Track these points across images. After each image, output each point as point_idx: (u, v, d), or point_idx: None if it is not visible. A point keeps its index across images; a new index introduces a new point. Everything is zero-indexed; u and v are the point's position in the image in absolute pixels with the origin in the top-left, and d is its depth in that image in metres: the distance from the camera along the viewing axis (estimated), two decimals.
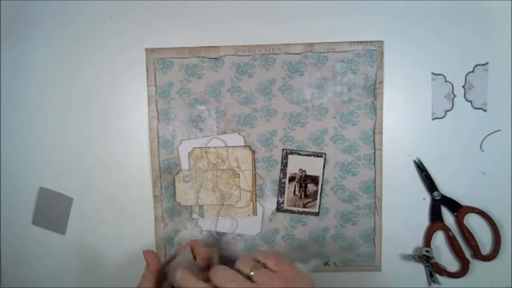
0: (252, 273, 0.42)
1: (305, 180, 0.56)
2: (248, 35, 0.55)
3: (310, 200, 0.56)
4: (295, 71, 0.55)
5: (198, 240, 0.53)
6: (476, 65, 0.55)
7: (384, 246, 0.57)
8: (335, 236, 0.57)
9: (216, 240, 0.57)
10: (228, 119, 0.56)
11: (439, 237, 0.57)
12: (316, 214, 0.57)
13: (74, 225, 0.58)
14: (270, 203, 0.57)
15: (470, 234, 0.56)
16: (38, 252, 0.58)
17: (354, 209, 0.56)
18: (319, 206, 0.56)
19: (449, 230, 0.56)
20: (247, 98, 0.55)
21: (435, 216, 0.56)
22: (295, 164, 0.56)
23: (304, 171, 0.56)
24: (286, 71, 0.55)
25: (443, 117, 0.56)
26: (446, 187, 0.56)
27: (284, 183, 0.56)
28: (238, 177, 0.56)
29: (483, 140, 0.56)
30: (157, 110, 0.56)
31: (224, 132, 0.56)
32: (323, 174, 0.56)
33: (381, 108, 0.55)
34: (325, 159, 0.56)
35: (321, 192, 0.56)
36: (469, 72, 0.55)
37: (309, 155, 0.56)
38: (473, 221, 0.56)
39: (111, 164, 0.57)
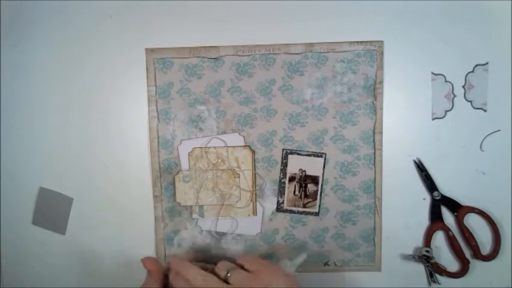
0: (228, 274, 0.43)
1: (305, 180, 0.56)
2: (248, 35, 0.55)
3: (310, 200, 0.56)
4: (295, 71, 0.55)
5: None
6: (476, 65, 0.55)
7: (384, 246, 0.57)
8: (335, 236, 0.57)
9: (216, 240, 0.57)
10: (228, 119, 0.56)
11: (439, 237, 0.57)
12: (316, 214, 0.57)
13: (74, 225, 0.58)
14: (270, 203, 0.57)
15: (470, 234, 0.56)
16: (38, 252, 0.58)
17: (354, 209, 0.56)
18: (319, 206, 0.56)
19: (449, 230, 0.56)
20: (247, 98, 0.55)
21: (435, 216, 0.56)
22: (295, 164, 0.56)
23: (304, 171, 0.56)
24: (286, 71, 0.55)
25: (443, 117, 0.56)
26: (446, 187, 0.56)
27: (284, 183, 0.56)
28: (238, 177, 0.56)
29: (483, 140, 0.56)
30: (157, 110, 0.56)
31: (224, 132, 0.56)
32: (323, 174, 0.56)
33: (381, 108, 0.55)
34: (325, 159, 0.56)
35: (321, 192, 0.56)
36: (469, 72, 0.55)
37: (309, 155, 0.56)
38: (473, 221, 0.56)
39: (111, 164, 0.57)
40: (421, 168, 0.56)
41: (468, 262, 0.55)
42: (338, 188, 0.56)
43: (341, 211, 0.56)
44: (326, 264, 0.57)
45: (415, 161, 0.56)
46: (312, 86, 0.55)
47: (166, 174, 0.56)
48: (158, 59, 0.55)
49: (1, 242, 0.58)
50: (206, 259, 0.56)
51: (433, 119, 0.56)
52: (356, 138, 0.55)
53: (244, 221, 0.57)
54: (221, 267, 0.45)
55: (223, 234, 0.57)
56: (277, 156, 0.56)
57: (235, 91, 0.55)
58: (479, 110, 0.55)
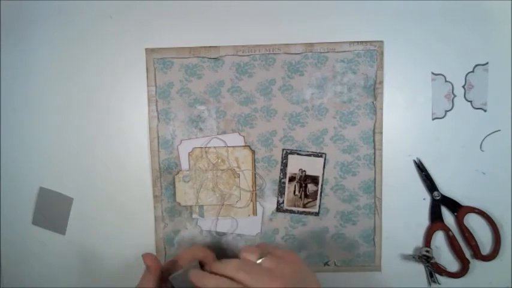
0: (259, 261, 0.42)
1: (305, 180, 0.56)
2: (248, 35, 0.55)
3: (310, 200, 0.56)
4: (295, 71, 0.55)
5: (193, 250, 0.50)
6: (476, 65, 0.55)
7: (384, 246, 0.57)
8: (335, 236, 0.57)
9: (216, 240, 0.57)
10: (228, 119, 0.56)
11: (439, 237, 0.57)
12: (316, 214, 0.57)
13: (74, 225, 0.58)
14: (270, 203, 0.57)
15: (470, 234, 0.56)
16: (38, 252, 0.58)
17: (354, 209, 0.56)
18: (319, 206, 0.56)
19: (449, 230, 0.56)
20: (247, 98, 0.55)
21: (435, 216, 0.56)
22: (295, 164, 0.56)
23: (304, 171, 0.56)
24: (286, 71, 0.55)
25: (443, 117, 0.56)
26: (446, 187, 0.56)
27: (284, 183, 0.56)
28: (238, 177, 0.56)
29: (483, 140, 0.56)
30: (157, 110, 0.56)
31: (224, 132, 0.56)
32: (323, 174, 0.56)
33: (381, 108, 0.55)
34: (325, 159, 0.56)
35: (321, 192, 0.56)
36: (469, 72, 0.55)
37: (309, 155, 0.56)
38: (473, 221, 0.56)
39: (111, 164, 0.57)
40: (421, 168, 0.56)
41: (468, 262, 0.55)
42: (338, 188, 0.56)
43: (341, 211, 0.56)
44: (326, 264, 0.57)
45: (415, 161, 0.56)
46: (312, 86, 0.55)
47: (166, 174, 0.56)
48: (158, 59, 0.55)
49: (1, 242, 0.58)
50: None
51: (433, 119, 0.56)
52: (356, 138, 0.55)
53: (244, 221, 0.57)
54: (251, 253, 0.42)
55: (223, 234, 0.57)
56: (277, 156, 0.56)
57: (235, 91, 0.55)
58: (479, 110, 0.55)
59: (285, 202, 0.57)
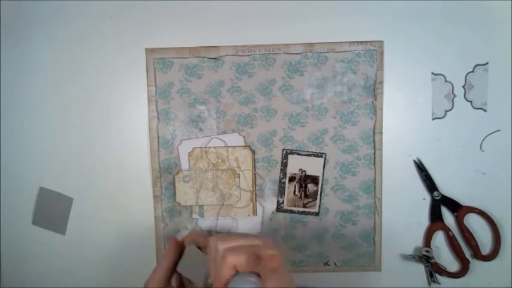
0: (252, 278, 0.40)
1: (305, 180, 0.56)
2: (248, 35, 0.55)
3: (310, 200, 0.56)
4: (295, 71, 0.55)
5: (193, 233, 0.49)
6: (476, 65, 0.55)
7: (384, 246, 0.57)
8: (335, 236, 0.57)
9: None
10: (228, 119, 0.56)
11: (439, 237, 0.57)
12: (316, 214, 0.57)
13: (74, 225, 0.58)
14: (270, 203, 0.57)
15: (470, 234, 0.56)
16: (38, 252, 0.58)
17: (354, 209, 0.56)
18: (319, 206, 0.56)
19: (449, 230, 0.56)
20: (247, 98, 0.55)
21: (435, 216, 0.56)
22: (295, 164, 0.56)
23: (304, 171, 0.56)
24: (286, 71, 0.55)
25: (443, 117, 0.56)
26: (446, 187, 0.56)
27: (284, 183, 0.56)
28: (238, 177, 0.56)
29: (483, 140, 0.56)
30: (157, 110, 0.56)
31: (224, 132, 0.56)
32: (323, 174, 0.56)
33: (381, 108, 0.55)
34: (325, 159, 0.56)
35: (321, 192, 0.56)
36: (469, 72, 0.55)
37: (309, 155, 0.56)
38: (473, 221, 0.56)
39: (111, 164, 0.57)
40: (421, 168, 0.56)
41: (468, 262, 0.55)
42: (338, 188, 0.56)
43: (341, 211, 0.56)
44: (326, 264, 0.57)
45: (415, 161, 0.56)
46: (312, 86, 0.55)
47: (166, 174, 0.56)
48: (158, 59, 0.55)
49: (1, 242, 0.58)
50: None
51: (433, 119, 0.56)
52: (356, 138, 0.55)
53: (244, 221, 0.57)
54: (237, 254, 0.37)
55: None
56: (277, 156, 0.56)
57: (235, 91, 0.55)
58: (479, 110, 0.55)
59: (285, 202, 0.57)
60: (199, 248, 0.47)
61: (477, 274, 0.56)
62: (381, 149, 0.56)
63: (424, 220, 0.57)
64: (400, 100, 0.56)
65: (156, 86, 0.56)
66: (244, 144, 0.56)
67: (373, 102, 0.55)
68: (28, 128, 0.57)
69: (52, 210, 0.58)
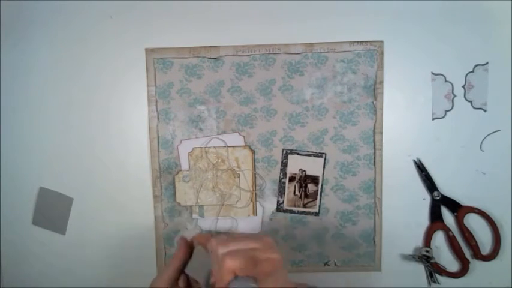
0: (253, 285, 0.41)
1: (305, 180, 0.56)
2: (248, 35, 0.55)
3: (310, 200, 0.56)
4: (295, 71, 0.55)
5: (201, 235, 0.48)
6: (476, 65, 0.55)
7: (384, 246, 0.57)
8: (335, 236, 0.57)
9: None
10: (228, 119, 0.56)
11: (439, 237, 0.57)
12: (316, 214, 0.57)
13: (74, 225, 0.58)
14: (270, 203, 0.57)
15: (470, 234, 0.56)
16: (38, 252, 0.58)
17: (354, 209, 0.56)
18: (319, 206, 0.56)
19: (449, 230, 0.56)
20: (247, 98, 0.55)
21: (435, 216, 0.56)
22: (295, 164, 0.56)
23: (304, 171, 0.56)
24: (286, 71, 0.55)
25: (443, 117, 0.56)
26: (446, 187, 0.56)
27: (284, 183, 0.56)
28: (238, 177, 0.56)
29: (483, 140, 0.56)
30: (157, 110, 0.56)
31: (224, 132, 0.56)
32: (323, 174, 0.56)
33: (381, 108, 0.55)
34: (325, 159, 0.56)
35: (321, 192, 0.56)
36: (469, 72, 0.55)
37: (309, 155, 0.56)
38: (473, 221, 0.56)
39: (111, 164, 0.57)
40: (421, 168, 0.56)
41: (468, 262, 0.55)
42: (338, 188, 0.56)
43: (341, 211, 0.56)
44: (326, 264, 0.57)
45: (415, 161, 0.56)
46: (312, 86, 0.55)
47: (166, 174, 0.56)
48: (158, 59, 0.55)
49: (1, 242, 0.58)
50: None
51: (433, 119, 0.56)
52: (356, 138, 0.55)
53: (244, 221, 0.57)
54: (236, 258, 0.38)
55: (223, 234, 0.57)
56: (277, 156, 0.56)
57: (235, 91, 0.55)
58: (479, 110, 0.55)
59: (285, 202, 0.57)
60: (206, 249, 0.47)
61: (477, 274, 0.56)
62: (381, 149, 0.56)
63: (424, 220, 0.57)
64: (400, 100, 0.56)
65: (156, 86, 0.56)
66: (244, 144, 0.56)
67: (373, 102, 0.55)
68: (28, 128, 0.57)
69: (52, 210, 0.57)
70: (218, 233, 0.57)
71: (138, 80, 0.56)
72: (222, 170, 0.56)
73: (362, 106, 0.55)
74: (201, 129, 0.56)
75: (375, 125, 0.55)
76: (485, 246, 0.56)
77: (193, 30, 0.55)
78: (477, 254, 0.55)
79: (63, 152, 0.57)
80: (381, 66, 0.55)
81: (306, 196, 0.56)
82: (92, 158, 0.57)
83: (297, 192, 0.56)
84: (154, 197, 0.57)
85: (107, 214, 0.57)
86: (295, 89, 0.55)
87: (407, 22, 0.55)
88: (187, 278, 0.46)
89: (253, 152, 0.56)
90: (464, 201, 0.56)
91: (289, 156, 0.56)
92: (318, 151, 0.56)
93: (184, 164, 0.56)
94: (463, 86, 0.55)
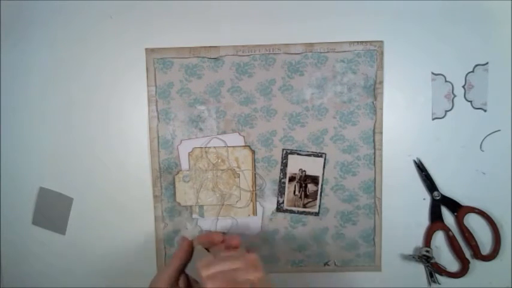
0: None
1: (305, 180, 0.56)
2: (248, 35, 0.55)
3: (310, 200, 0.56)
4: (295, 71, 0.55)
5: (202, 235, 0.50)
6: (476, 65, 0.55)
7: (384, 246, 0.57)
8: (335, 236, 0.57)
9: None
10: (228, 119, 0.56)
11: (439, 237, 0.57)
12: (316, 214, 0.57)
13: (74, 225, 0.58)
14: (270, 203, 0.57)
15: (470, 234, 0.56)
16: (38, 252, 0.58)
17: (354, 209, 0.56)
18: (319, 206, 0.56)
19: (449, 230, 0.56)
20: (247, 98, 0.55)
21: (435, 216, 0.56)
22: (295, 164, 0.56)
23: (304, 171, 0.56)
24: (286, 71, 0.55)
25: (443, 117, 0.56)
26: (446, 187, 0.56)
27: (284, 183, 0.56)
28: (238, 177, 0.56)
29: (483, 140, 0.56)
30: (157, 110, 0.56)
31: (224, 132, 0.56)
32: (323, 174, 0.56)
33: (381, 108, 0.55)
34: (325, 159, 0.56)
35: (321, 192, 0.56)
36: (469, 72, 0.55)
37: (309, 155, 0.56)
38: (473, 221, 0.56)
39: (111, 164, 0.57)
40: (421, 168, 0.56)
41: (468, 262, 0.55)
42: (338, 188, 0.56)
43: (341, 211, 0.56)
44: (326, 264, 0.57)
45: (415, 161, 0.56)
46: (312, 86, 0.55)
47: (166, 174, 0.56)
48: (158, 59, 0.55)
49: (1, 242, 0.58)
50: None
51: (433, 119, 0.56)
52: (356, 138, 0.55)
53: (244, 221, 0.57)
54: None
55: (223, 234, 0.57)
56: (277, 156, 0.56)
57: (235, 91, 0.55)
58: (479, 110, 0.55)
59: (285, 202, 0.57)
60: (207, 249, 0.47)
61: (477, 274, 0.56)
62: (381, 149, 0.56)
63: (424, 220, 0.57)
64: (400, 100, 0.56)
65: (156, 86, 0.56)
66: (244, 144, 0.56)
67: (373, 102, 0.55)
68: (28, 128, 0.57)
69: (52, 210, 0.58)
70: (223, 233, 0.56)
71: (138, 80, 0.56)
72: (222, 170, 0.56)
73: (362, 106, 0.55)
74: (201, 129, 0.56)
75: (375, 125, 0.55)
76: (485, 246, 0.56)
77: (193, 30, 0.55)
78: (477, 254, 0.55)
79: (63, 152, 0.57)
80: (381, 66, 0.55)
81: (306, 196, 0.56)
82: (92, 158, 0.57)
83: (297, 192, 0.56)
84: (154, 197, 0.57)
85: (107, 214, 0.57)
86: (295, 89, 0.55)
87: (407, 22, 0.55)
88: (187, 278, 0.47)
89: (253, 152, 0.56)
90: (464, 201, 0.56)
91: (289, 156, 0.56)
92: (318, 151, 0.56)
93: (184, 164, 0.56)
94: (463, 86, 0.55)
